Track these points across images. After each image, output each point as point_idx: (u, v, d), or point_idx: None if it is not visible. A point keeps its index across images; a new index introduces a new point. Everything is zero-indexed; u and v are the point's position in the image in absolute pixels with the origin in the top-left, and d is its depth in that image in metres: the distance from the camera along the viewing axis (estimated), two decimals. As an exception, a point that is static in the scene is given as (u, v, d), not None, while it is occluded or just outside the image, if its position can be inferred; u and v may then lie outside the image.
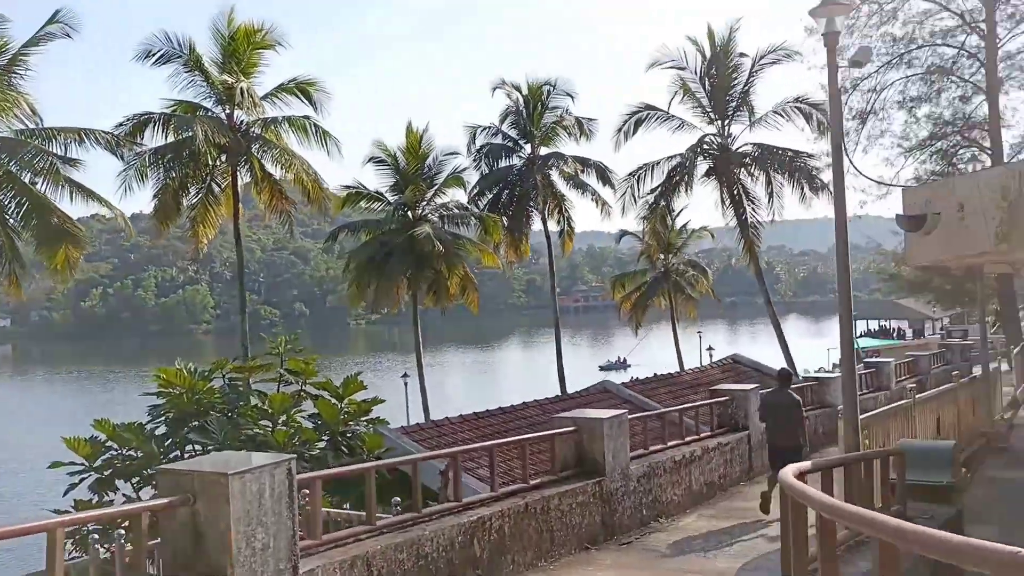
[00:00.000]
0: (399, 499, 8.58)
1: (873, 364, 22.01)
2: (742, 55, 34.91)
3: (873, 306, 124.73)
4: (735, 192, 34.22)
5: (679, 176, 34.55)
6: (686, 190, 34.71)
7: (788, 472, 5.92)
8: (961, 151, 37.97)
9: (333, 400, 12.34)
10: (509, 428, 16.99)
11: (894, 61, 37.37)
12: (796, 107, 33.98)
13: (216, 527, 5.38)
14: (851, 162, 39.78)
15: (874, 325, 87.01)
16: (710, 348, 52.17)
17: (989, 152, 36.17)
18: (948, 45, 36.77)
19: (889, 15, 36.91)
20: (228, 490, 5.34)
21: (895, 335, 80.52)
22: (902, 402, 11.70)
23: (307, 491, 6.92)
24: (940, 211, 7.38)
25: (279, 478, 5.73)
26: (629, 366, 74.87)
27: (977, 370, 33.36)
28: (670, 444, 11.83)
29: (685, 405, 12.98)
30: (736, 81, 34.72)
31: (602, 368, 72.86)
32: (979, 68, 36.11)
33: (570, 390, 30.90)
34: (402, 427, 17.08)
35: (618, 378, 32.76)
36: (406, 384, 43.30)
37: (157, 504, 5.46)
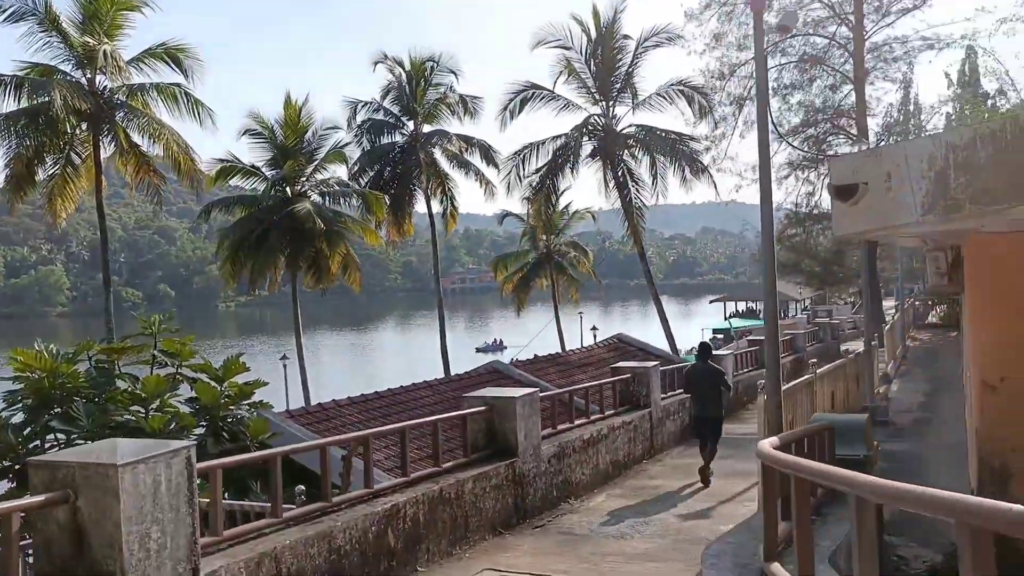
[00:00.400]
0: (303, 488, 7.87)
1: (756, 342, 22.45)
2: (626, 37, 35.10)
3: (739, 288, 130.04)
4: (620, 173, 34.44)
5: (564, 156, 34.46)
6: (571, 170, 34.69)
7: (766, 445, 5.80)
8: (830, 137, 39.51)
9: (212, 383, 11.38)
10: (400, 410, 16.36)
11: (769, 49, 38.44)
12: (679, 90, 34.43)
13: (103, 527, 4.60)
14: (775, 127, 40.79)
15: (742, 306, 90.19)
16: (594, 328, 52.68)
17: (855, 139, 37.78)
18: (820, 35, 38.08)
19: (766, 3, 37.90)
20: (118, 484, 4.57)
21: (763, 315, 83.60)
22: (806, 377, 11.73)
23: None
24: (868, 181, 7.25)
25: (177, 468, 4.98)
26: (505, 348, 75.01)
27: (848, 347, 34.81)
28: (578, 423, 11.51)
29: (593, 382, 12.70)
30: (621, 62, 34.90)
31: (479, 350, 72.72)
32: (848, 58, 37.55)
33: (453, 372, 30.45)
34: (287, 411, 16.17)
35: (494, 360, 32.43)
36: (285, 367, 41.82)
37: (31, 503, 4.62)
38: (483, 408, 9.17)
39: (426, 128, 38.13)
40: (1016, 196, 7.00)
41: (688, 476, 12.18)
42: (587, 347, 29.79)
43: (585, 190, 40.14)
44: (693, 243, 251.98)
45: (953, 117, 43.15)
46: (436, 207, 38.97)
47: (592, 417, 12.00)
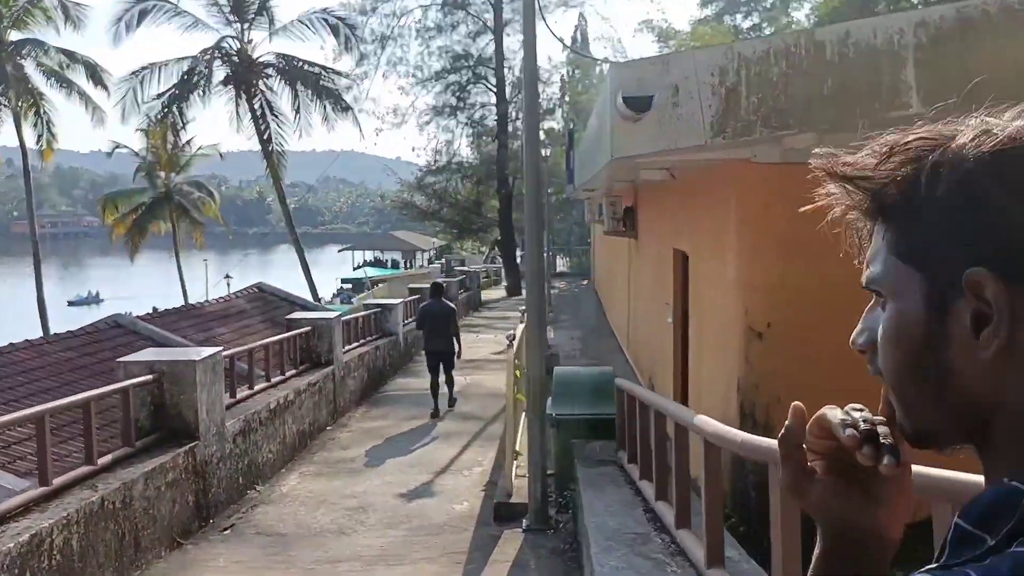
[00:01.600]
0: None
1: (417, 291, 21.39)
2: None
3: (363, 238, 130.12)
4: (257, 106, 31.34)
5: (193, 81, 30.50)
6: (201, 98, 30.83)
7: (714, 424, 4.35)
8: (471, 86, 39.63)
9: None
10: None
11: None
12: (322, 18, 32.06)
13: None
14: (549, 31, 39.06)
15: (369, 255, 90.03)
16: (228, 276, 48.45)
17: (494, 90, 38.28)
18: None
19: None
20: None
21: (389, 265, 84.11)
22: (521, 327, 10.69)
23: None
24: (654, 93, 6.13)
25: None
26: (102, 300, 67.12)
27: (487, 295, 35.21)
28: (259, 388, 9.34)
29: (272, 338, 10.47)
30: (258, -19, 31.61)
31: (71, 303, 63.92)
32: (490, 7, 37.73)
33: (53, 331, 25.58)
34: None
35: (91, 316, 27.81)
36: None
37: None
38: (149, 378, 6.73)
39: (14, 35, 31.59)
40: (807, 121, 6.31)
41: (377, 439, 10.65)
42: (224, 298, 26.74)
43: (211, 126, 36.03)
44: (314, 191, 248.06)
45: (566, 80, 45.92)
46: (28, 134, 32.65)
47: (273, 380, 9.88)
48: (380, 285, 54.74)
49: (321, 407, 10.99)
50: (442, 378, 12.61)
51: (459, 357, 12.94)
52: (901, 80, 6.00)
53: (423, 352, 13.05)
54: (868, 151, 0.75)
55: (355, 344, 13.99)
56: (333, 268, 76.63)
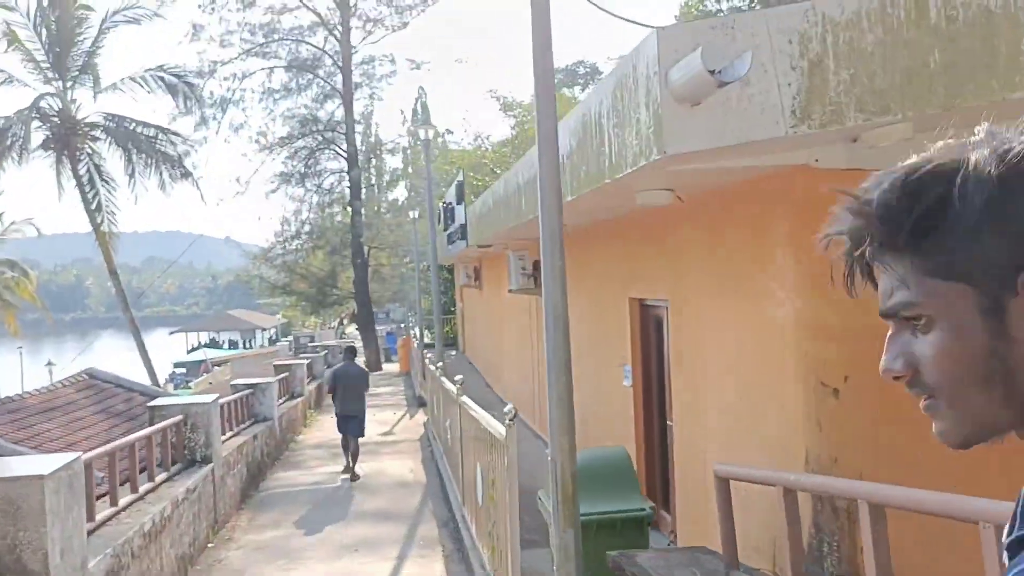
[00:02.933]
0: None
1: (286, 367, 18.79)
2: (87, 7, 28.87)
3: (194, 320, 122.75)
4: (84, 170, 27.92)
5: (7, 144, 26.81)
6: (16, 162, 27.12)
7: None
8: (319, 152, 37.44)
9: None
10: None
11: (255, 50, 35.14)
12: (159, 76, 29.18)
13: None
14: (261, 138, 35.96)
15: (204, 337, 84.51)
16: (50, 363, 43.16)
17: (345, 155, 36.24)
18: (307, 43, 35.89)
19: (249, 1, 34.55)
20: None
21: (226, 346, 79.04)
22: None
23: None
24: (717, 68, 4.49)
25: None
26: None
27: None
28: (125, 503, 6.81)
29: (137, 434, 7.87)
30: (82, 36, 28.52)
31: None
32: (338, 70, 35.93)
33: None
34: None
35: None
36: None
37: None
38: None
39: None
40: (909, 104, 4.83)
41: (278, 558, 8.23)
42: (47, 388, 22.97)
43: (24, 200, 32.08)
44: (138, 273, 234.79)
45: (409, 152, 44.56)
46: None
47: (141, 490, 7.34)
48: (220, 367, 50.63)
49: (201, 519, 8.46)
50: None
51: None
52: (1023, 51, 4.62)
53: (334, 415, 13.26)
54: (880, 183, 0.80)
55: (230, 433, 11.45)
56: (164, 352, 70.60)
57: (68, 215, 27.57)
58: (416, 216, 30.46)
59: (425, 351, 17.63)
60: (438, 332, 17.01)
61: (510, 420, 5.11)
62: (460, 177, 17.07)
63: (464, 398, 7.69)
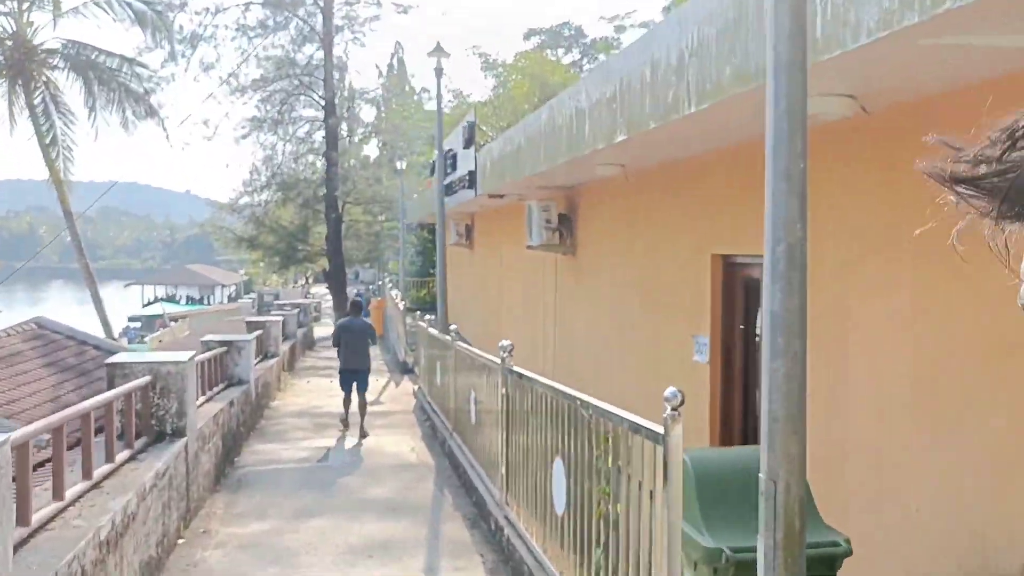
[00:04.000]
0: None
1: (260, 324, 16.85)
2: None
3: (150, 274, 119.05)
4: (39, 99, 25.46)
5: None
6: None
7: None
8: (294, 98, 35.11)
9: None
10: None
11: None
12: (127, 1, 26.68)
13: None
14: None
15: (161, 291, 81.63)
16: (-7, 311, 40.48)
17: (322, 103, 33.99)
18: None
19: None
20: None
21: (185, 301, 76.32)
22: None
23: None
24: None
25: None
26: None
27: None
28: (74, 495, 4.99)
29: (92, 400, 5.97)
30: (42, -48, 25.91)
31: None
32: (318, 10, 33.59)
33: None
34: None
35: None
36: None
37: None
38: None
39: None
40: None
41: (269, 562, 6.46)
42: (-11, 335, 20.76)
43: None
44: (93, 223, 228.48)
45: (383, 108, 42.22)
46: None
47: (96, 475, 5.51)
48: (178, 322, 48.25)
49: (171, 509, 6.64)
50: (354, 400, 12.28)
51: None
52: None
53: (337, 372, 12.74)
54: (984, 144, 0.67)
55: (202, 399, 9.60)
56: (118, 306, 67.57)
57: (23, 161, 25.01)
58: (403, 166, 28.47)
59: (427, 317, 15.82)
60: (440, 291, 15.16)
61: (674, 409, 3.37)
62: (471, 117, 15.16)
63: (544, 380, 5.91)
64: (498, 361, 6.91)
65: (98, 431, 6.83)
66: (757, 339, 7.20)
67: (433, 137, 40.25)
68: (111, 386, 7.03)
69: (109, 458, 5.92)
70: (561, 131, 8.49)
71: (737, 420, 7.38)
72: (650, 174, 8.70)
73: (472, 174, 14.38)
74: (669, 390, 3.42)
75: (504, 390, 6.74)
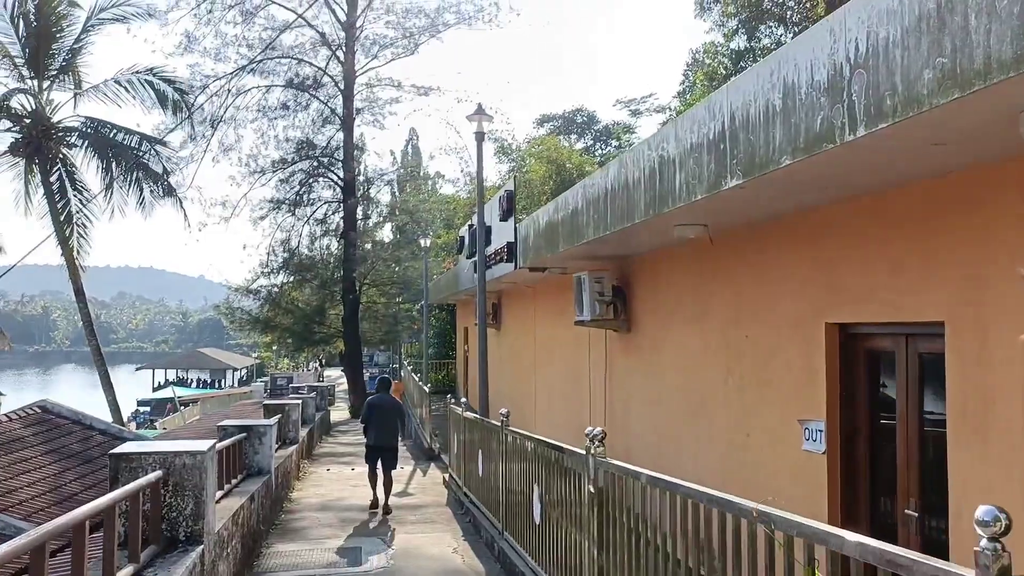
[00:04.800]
0: None
1: (278, 408, 15.65)
2: (72, 2, 26.09)
3: (162, 357, 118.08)
4: (55, 178, 24.86)
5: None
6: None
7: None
8: (314, 180, 34.61)
9: None
10: None
11: (252, 67, 32.50)
12: (147, 81, 26.34)
13: None
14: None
15: (172, 375, 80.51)
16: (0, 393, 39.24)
17: (341, 184, 33.45)
18: (308, 62, 33.35)
19: (249, 15, 32.03)
20: None
21: (196, 384, 75.13)
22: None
23: None
24: None
25: None
26: None
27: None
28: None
29: (89, 506, 4.75)
30: (64, 33, 25.70)
31: None
32: (339, 93, 33.36)
33: None
34: None
35: None
36: None
37: None
38: None
39: None
40: None
41: None
42: (-10, 421, 19.60)
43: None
44: (108, 308, 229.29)
45: (395, 193, 41.69)
46: None
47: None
48: (186, 407, 46.93)
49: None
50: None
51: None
52: None
53: (364, 448, 12.78)
54: None
55: (220, 493, 8.39)
56: (129, 388, 66.24)
57: (38, 245, 24.20)
58: (427, 244, 27.62)
59: (453, 400, 14.64)
60: (481, 370, 13.92)
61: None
62: (510, 186, 14.23)
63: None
64: (581, 452, 5.72)
65: (94, 528, 5.63)
66: (885, 422, 6.02)
67: (449, 220, 39.78)
68: (115, 483, 5.86)
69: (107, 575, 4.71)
70: (636, 188, 7.46)
71: (864, 517, 6.12)
72: (737, 234, 7.64)
73: (511, 246, 13.38)
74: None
75: (592, 487, 5.54)
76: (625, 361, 11.10)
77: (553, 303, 15.05)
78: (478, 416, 11.98)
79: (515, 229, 13.35)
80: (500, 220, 14.15)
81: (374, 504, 12.32)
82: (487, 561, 8.96)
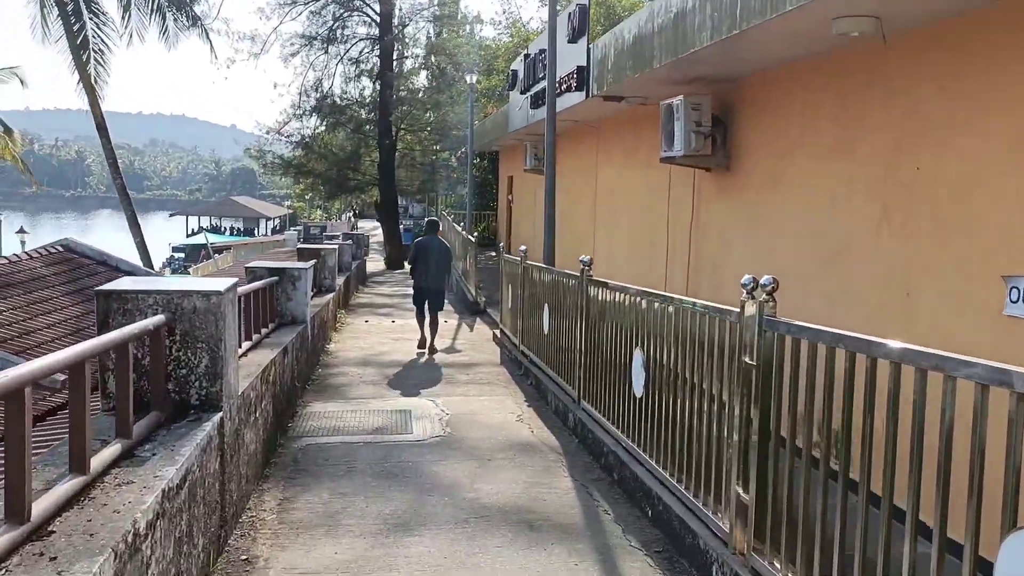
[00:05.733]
0: None
1: (315, 253, 14.23)
2: None
3: (195, 205, 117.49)
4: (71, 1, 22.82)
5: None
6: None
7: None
8: (348, 15, 32.08)
9: None
10: None
11: None
12: None
13: None
14: None
15: (205, 222, 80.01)
16: (22, 231, 38.56)
17: (377, 20, 30.97)
18: None
19: None
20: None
21: (229, 232, 74.59)
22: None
23: None
24: None
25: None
26: None
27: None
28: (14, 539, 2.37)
29: (52, 357, 3.38)
30: None
31: None
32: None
33: None
34: None
35: None
36: None
37: None
38: None
39: None
40: None
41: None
42: (9, 258, 18.47)
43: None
44: (141, 154, 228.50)
45: (431, 37, 38.83)
46: None
47: (37, 511, 2.89)
48: (222, 253, 46.11)
49: (195, 537, 4.02)
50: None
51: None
52: None
53: (410, 292, 12.85)
54: None
55: (247, 345, 7.00)
56: (161, 235, 65.64)
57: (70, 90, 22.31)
58: (474, 79, 25.49)
59: (504, 249, 13.22)
60: (548, 217, 12.21)
61: None
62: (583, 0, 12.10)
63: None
64: (735, 309, 4.14)
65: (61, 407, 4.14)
66: None
67: (489, 66, 37.06)
68: (104, 329, 4.40)
69: (78, 468, 3.27)
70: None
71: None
72: (916, 33, 5.76)
73: (582, 71, 11.45)
74: None
75: (749, 357, 3.98)
76: (722, 207, 9.38)
77: (622, 143, 13.21)
78: (544, 266, 10.41)
79: (588, 50, 11.38)
80: (568, 41, 12.14)
81: (421, 343, 12.30)
82: (560, 433, 7.59)
